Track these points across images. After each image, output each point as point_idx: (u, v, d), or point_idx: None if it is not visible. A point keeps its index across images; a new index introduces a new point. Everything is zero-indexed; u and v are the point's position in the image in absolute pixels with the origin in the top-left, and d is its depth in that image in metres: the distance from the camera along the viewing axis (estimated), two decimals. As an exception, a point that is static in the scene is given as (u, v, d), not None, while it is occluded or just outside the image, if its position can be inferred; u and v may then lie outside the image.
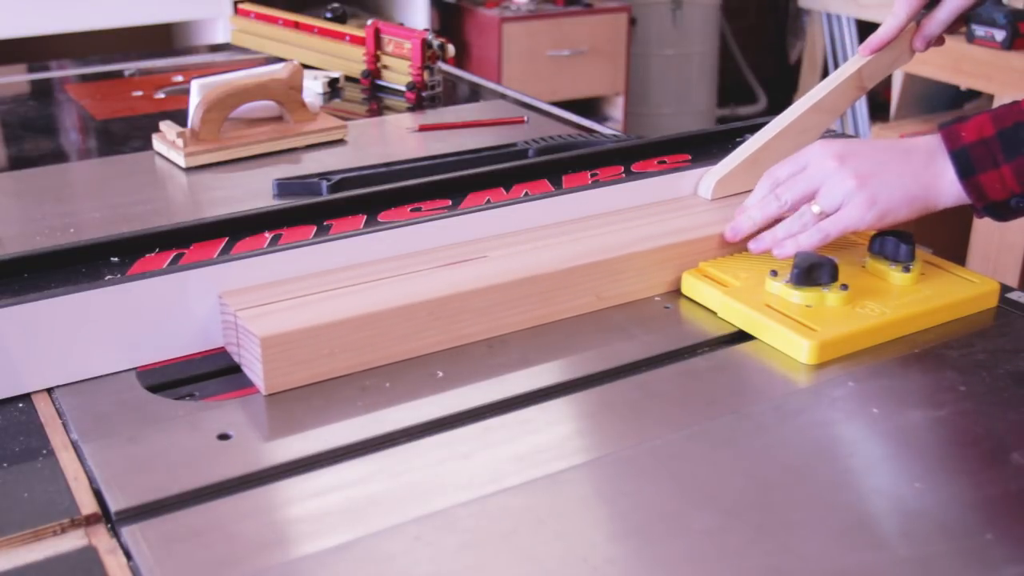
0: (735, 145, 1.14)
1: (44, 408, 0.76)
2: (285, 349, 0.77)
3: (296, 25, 1.72)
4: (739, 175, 1.03)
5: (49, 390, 0.78)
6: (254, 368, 0.78)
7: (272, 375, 0.77)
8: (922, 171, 0.86)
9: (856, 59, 1.05)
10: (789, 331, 0.82)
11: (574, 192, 0.99)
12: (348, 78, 1.63)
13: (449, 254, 0.89)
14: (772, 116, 1.21)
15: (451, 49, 1.59)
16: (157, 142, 1.29)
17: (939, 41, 1.03)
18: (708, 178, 1.03)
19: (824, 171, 0.89)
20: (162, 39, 3.07)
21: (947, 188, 0.86)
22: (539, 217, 0.96)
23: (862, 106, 3.24)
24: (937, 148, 0.87)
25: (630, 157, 1.12)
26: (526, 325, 0.86)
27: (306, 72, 1.43)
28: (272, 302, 0.81)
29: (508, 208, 0.95)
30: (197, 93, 1.27)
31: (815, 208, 0.89)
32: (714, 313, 0.88)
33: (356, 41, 1.63)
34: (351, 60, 1.63)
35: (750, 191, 0.98)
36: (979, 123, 0.86)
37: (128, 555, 0.61)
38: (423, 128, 1.40)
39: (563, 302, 0.88)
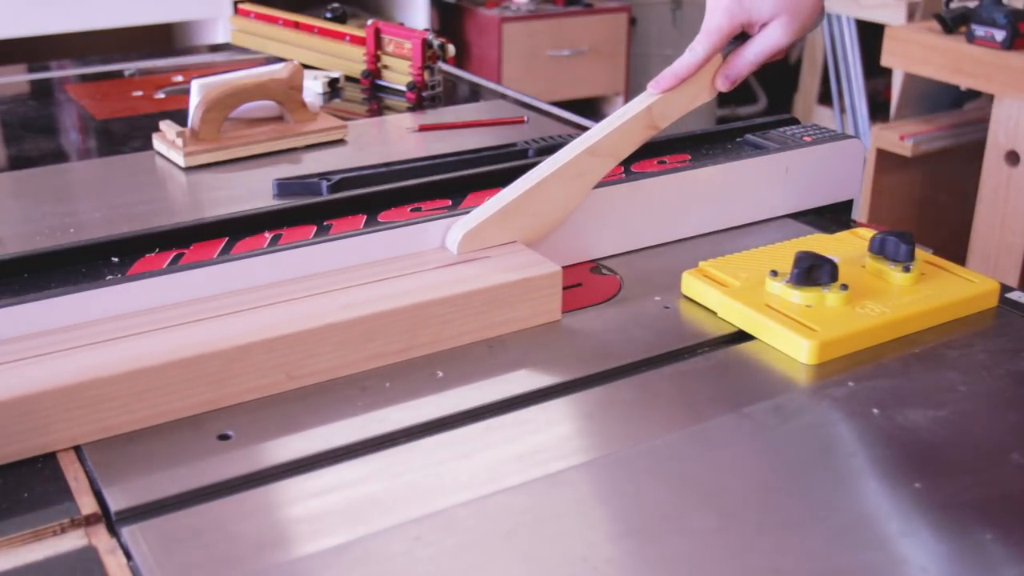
0: (735, 145, 1.15)
1: (44, 408, 0.76)
2: None
3: (296, 25, 1.72)
4: (492, 227, 0.89)
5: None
6: None
7: None
8: None
9: (646, 96, 0.94)
10: (789, 331, 0.81)
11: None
12: (348, 78, 1.63)
13: (128, 324, 0.77)
14: (772, 116, 1.21)
15: (451, 49, 1.59)
16: (157, 142, 1.29)
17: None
18: (456, 230, 0.89)
19: None
20: (162, 39, 3.07)
21: None
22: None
23: (862, 106, 3.23)
24: None
25: (630, 157, 1.11)
26: (190, 412, 0.74)
27: (306, 72, 1.43)
28: None
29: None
30: (197, 93, 1.27)
31: None
32: (714, 313, 0.88)
33: (356, 41, 1.63)
34: (351, 60, 1.63)
35: (512, 242, 0.89)
36: None
37: (128, 555, 0.61)
38: (423, 128, 1.40)
39: (242, 383, 0.75)
